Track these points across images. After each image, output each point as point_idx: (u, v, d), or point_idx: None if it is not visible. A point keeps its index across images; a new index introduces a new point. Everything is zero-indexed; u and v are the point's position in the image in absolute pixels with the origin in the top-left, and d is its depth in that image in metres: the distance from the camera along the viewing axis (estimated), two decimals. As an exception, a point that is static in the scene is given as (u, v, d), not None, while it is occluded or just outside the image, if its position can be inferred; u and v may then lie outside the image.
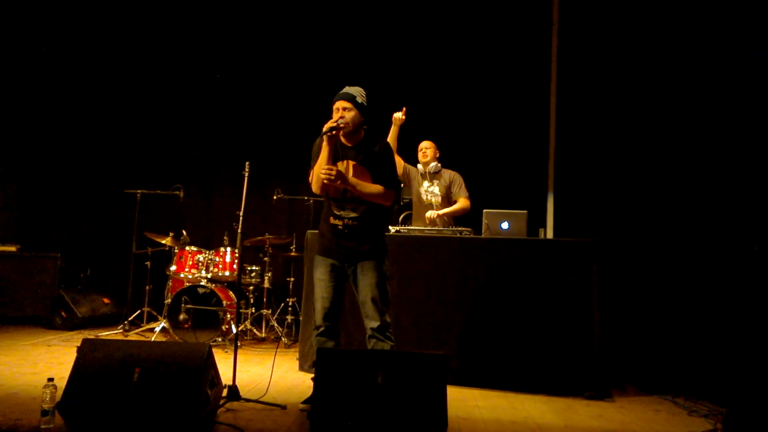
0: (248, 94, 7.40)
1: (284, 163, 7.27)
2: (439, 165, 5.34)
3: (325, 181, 3.56)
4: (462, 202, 5.22)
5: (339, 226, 3.70)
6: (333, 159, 3.64)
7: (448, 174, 5.33)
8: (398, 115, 4.92)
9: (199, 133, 7.52)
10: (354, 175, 3.68)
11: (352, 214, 3.69)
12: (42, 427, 3.01)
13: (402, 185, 5.38)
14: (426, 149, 5.34)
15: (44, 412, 3.02)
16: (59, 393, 3.05)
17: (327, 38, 7.20)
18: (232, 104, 7.45)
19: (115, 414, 2.99)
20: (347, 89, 3.73)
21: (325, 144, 3.59)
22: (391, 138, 4.97)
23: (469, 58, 6.91)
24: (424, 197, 5.30)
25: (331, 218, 3.73)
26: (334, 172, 3.53)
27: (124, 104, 7.54)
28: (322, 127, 3.58)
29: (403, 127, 4.94)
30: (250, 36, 7.36)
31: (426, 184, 5.33)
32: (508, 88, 6.79)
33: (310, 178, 3.74)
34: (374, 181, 3.70)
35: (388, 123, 4.92)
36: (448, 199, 5.27)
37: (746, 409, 3.24)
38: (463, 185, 5.29)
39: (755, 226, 4.34)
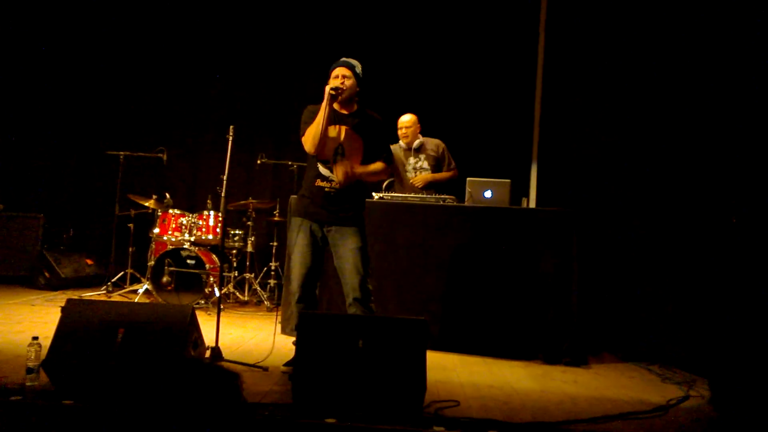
0: (234, 58, 7.31)
1: (269, 127, 7.24)
2: (421, 138, 5.30)
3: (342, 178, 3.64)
4: (453, 173, 5.26)
5: (326, 188, 3.73)
6: (329, 121, 3.68)
7: (433, 144, 5.30)
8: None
9: (184, 95, 7.43)
10: (346, 140, 3.73)
11: None
12: (27, 384, 3.04)
13: None
14: (406, 129, 5.22)
15: (29, 370, 3.05)
16: (44, 351, 3.09)
17: (311, 7, 7.12)
18: (218, 68, 7.36)
19: (99, 373, 3.03)
20: (346, 59, 3.79)
21: (325, 103, 3.62)
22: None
23: (454, 23, 6.86)
24: (413, 174, 5.29)
25: (318, 180, 3.76)
26: (341, 175, 3.63)
27: (109, 66, 7.41)
28: (323, 89, 3.63)
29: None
30: (235, 3, 7.26)
31: (412, 160, 5.31)
32: (492, 54, 6.76)
33: (302, 137, 3.75)
34: (367, 150, 3.76)
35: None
36: (437, 170, 5.26)
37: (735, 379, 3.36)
38: (450, 155, 5.30)
39: (734, 199, 4.41)
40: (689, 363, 4.40)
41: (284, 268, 5.10)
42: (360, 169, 3.71)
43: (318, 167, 3.78)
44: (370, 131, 3.78)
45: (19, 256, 6.68)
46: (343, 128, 3.75)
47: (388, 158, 3.85)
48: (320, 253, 3.83)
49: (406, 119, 5.26)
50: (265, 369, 3.76)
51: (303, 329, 3.20)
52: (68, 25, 7.38)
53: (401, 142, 5.32)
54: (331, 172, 3.72)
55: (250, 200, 6.33)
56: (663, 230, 4.83)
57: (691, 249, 4.61)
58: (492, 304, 4.59)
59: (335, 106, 3.73)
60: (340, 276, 3.79)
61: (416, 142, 5.27)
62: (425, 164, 5.26)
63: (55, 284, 6.38)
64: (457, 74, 6.81)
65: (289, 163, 6.46)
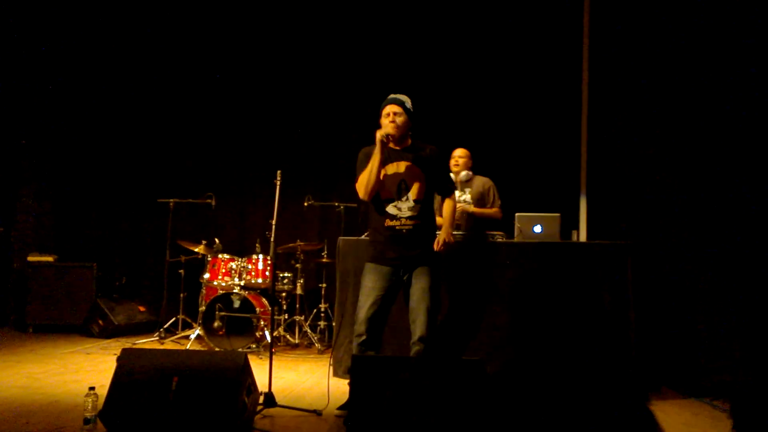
0: (278, 102, 7.43)
1: (315, 169, 7.29)
2: (471, 173, 5.27)
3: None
4: (494, 210, 5.15)
5: (397, 227, 3.67)
6: (383, 163, 3.68)
7: (480, 180, 5.25)
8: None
9: (230, 141, 7.55)
10: (406, 175, 3.70)
11: (409, 213, 3.68)
12: (84, 435, 3.07)
13: None
14: (459, 158, 5.25)
15: (86, 420, 3.08)
16: (100, 401, 3.10)
17: (355, 46, 7.21)
18: (262, 113, 7.47)
19: (155, 422, 3.03)
20: (395, 96, 3.79)
21: (377, 150, 3.62)
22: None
23: (498, 59, 6.87)
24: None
25: (387, 220, 3.70)
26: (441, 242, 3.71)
27: (156, 116, 7.61)
28: (374, 134, 3.63)
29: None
30: (277, 44, 7.41)
31: (457, 193, 5.26)
32: (537, 88, 6.73)
33: (356, 184, 3.74)
34: (428, 181, 3.73)
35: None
36: (480, 206, 5.18)
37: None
38: (497, 194, 5.22)
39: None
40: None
41: (334, 309, 5.07)
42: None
43: (385, 207, 3.73)
44: (429, 163, 3.75)
45: (74, 306, 6.78)
46: (404, 164, 3.72)
47: (452, 187, 3.91)
48: (391, 297, 3.74)
49: (459, 151, 5.29)
50: (319, 413, 3.71)
51: (357, 372, 3.16)
52: (119, 77, 7.62)
53: (451, 174, 5.30)
54: (399, 210, 3.69)
55: (298, 242, 6.35)
56: (724, 257, 4.64)
57: (754, 278, 4.42)
58: (545, 341, 4.47)
59: (390, 144, 3.71)
60: (409, 314, 3.71)
61: (464, 174, 5.23)
62: (469, 197, 5.21)
63: (108, 332, 6.45)
64: (501, 110, 6.79)
65: (336, 204, 6.49)
